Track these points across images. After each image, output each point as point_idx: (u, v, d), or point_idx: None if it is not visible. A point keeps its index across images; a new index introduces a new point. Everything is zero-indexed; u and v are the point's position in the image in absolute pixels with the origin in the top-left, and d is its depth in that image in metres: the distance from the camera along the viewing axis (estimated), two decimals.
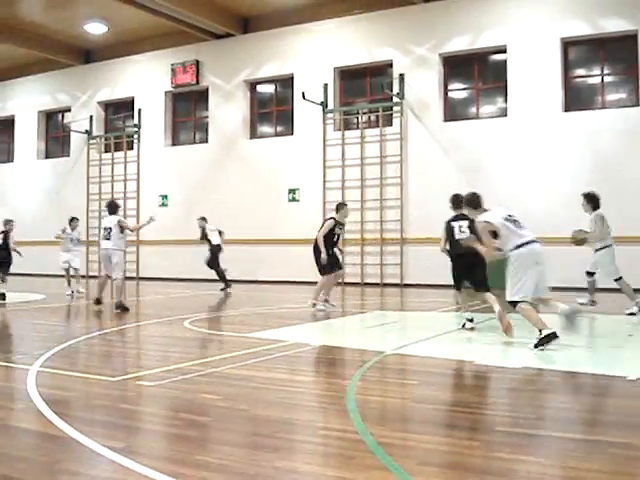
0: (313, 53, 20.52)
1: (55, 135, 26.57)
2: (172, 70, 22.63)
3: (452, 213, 9.46)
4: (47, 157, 26.41)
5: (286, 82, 21.29)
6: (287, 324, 10.50)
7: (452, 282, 9.55)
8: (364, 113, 20.08)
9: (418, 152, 18.92)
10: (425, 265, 17.82)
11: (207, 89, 22.38)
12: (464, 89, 19.44)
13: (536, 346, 7.29)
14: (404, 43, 19.19)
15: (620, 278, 11.40)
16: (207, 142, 22.47)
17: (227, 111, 22.01)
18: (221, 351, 7.72)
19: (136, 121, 23.61)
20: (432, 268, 17.56)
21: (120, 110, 24.72)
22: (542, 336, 7.29)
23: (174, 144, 23.39)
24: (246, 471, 3.60)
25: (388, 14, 19.35)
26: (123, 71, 24.02)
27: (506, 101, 18.24)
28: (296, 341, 8.46)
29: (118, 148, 24.17)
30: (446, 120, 18.94)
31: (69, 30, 22.40)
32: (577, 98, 17.67)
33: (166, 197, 22.84)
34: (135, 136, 23.72)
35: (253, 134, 22.01)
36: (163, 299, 15.86)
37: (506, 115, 18.19)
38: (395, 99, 19.27)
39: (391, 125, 19.55)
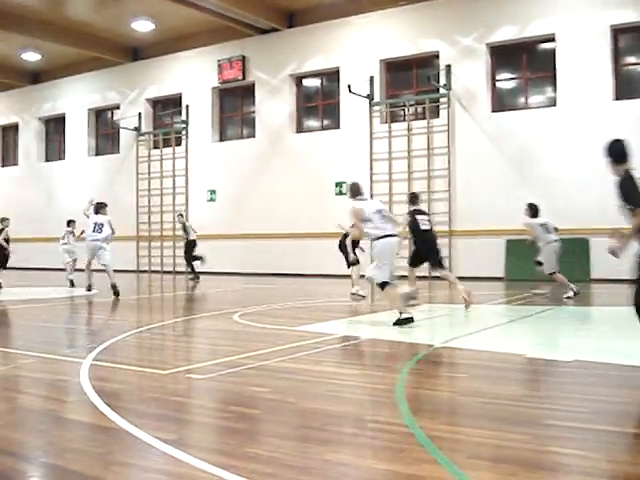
0: (358, 46, 20.45)
1: (105, 132, 26.98)
2: (219, 66, 22.79)
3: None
4: (97, 154, 26.83)
5: (332, 75, 21.26)
6: (335, 317, 10.50)
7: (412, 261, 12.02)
8: (410, 105, 19.97)
9: (466, 143, 18.74)
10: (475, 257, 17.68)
11: (253, 84, 22.48)
12: (512, 79, 19.20)
13: (394, 324, 8.82)
14: (450, 34, 19.01)
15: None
16: (254, 137, 22.59)
17: (273, 106, 22.08)
18: (270, 344, 7.75)
19: (184, 117, 23.84)
20: (481, 260, 17.42)
21: (168, 107, 24.98)
22: (401, 318, 8.86)
23: (221, 139, 23.56)
24: (296, 463, 3.62)
25: (433, 5, 19.19)
26: (170, 68, 24.26)
27: (555, 90, 17.95)
28: (344, 334, 8.46)
29: (166, 144, 24.44)
30: (494, 111, 18.72)
31: (117, 28, 22.70)
32: (627, 86, 17.30)
33: (214, 192, 23.03)
34: (183, 132, 23.96)
35: (299, 128, 22.05)
36: (212, 293, 16.00)
37: (555, 105, 17.91)
38: (442, 90, 19.11)
39: (438, 117, 19.40)
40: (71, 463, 3.67)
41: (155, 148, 24.83)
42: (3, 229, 16.88)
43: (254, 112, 22.70)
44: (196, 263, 19.64)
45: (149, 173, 24.55)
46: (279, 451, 3.83)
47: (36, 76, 28.13)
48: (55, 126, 28.40)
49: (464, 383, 5.72)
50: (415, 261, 12.18)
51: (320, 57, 21.16)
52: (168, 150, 24.28)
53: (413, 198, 12.30)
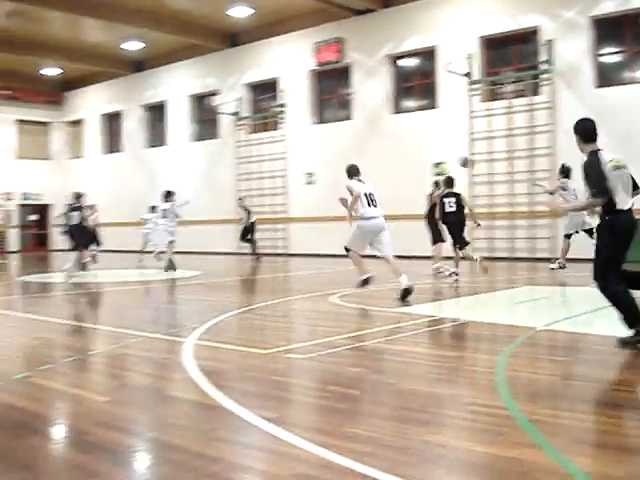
0: (456, 23, 20.07)
1: (205, 118, 27.50)
2: (315, 49, 22.84)
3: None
4: (198, 139, 27.40)
5: (429, 55, 20.96)
6: (433, 299, 10.42)
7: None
8: (511, 82, 19.48)
9: (569, 120, 18.01)
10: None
11: (350, 66, 22.42)
12: (616, 53, 18.43)
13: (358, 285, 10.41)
14: (551, 8, 18.41)
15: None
16: (351, 119, 22.57)
17: (370, 87, 21.99)
18: (368, 325, 7.78)
19: (282, 101, 24.04)
20: (588, 240, 16.88)
21: (266, 91, 25.23)
22: (361, 279, 10.32)
23: (319, 122, 23.66)
24: (395, 444, 3.62)
25: None
26: (268, 52, 24.49)
27: None
28: (443, 316, 8.39)
29: (265, 128, 24.72)
30: (598, 86, 18.05)
31: (214, 15, 23.03)
32: None
33: (312, 174, 23.17)
34: (281, 116, 24.17)
35: (396, 109, 21.87)
36: (311, 275, 16.15)
37: None
38: (543, 66, 18.56)
39: (540, 94, 18.86)
40: (175, 438, 3.79)
41: (254, 132, 25.15)
42: (93, 213, 18.50)
43: (351, 94, 22.66)
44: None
45: (248, 157, 24.91)
46: (378, 431, 3.84)
47: (138, 65, 28.92)
48: (157, 113, 29.15)
49: (566, 367, 5.58)
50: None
51: (417, 36, 20.89)
52: (266, 134, 24.55)
53: (449, 182, 13.38)
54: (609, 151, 6.12)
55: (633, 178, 6.02)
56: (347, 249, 10.53)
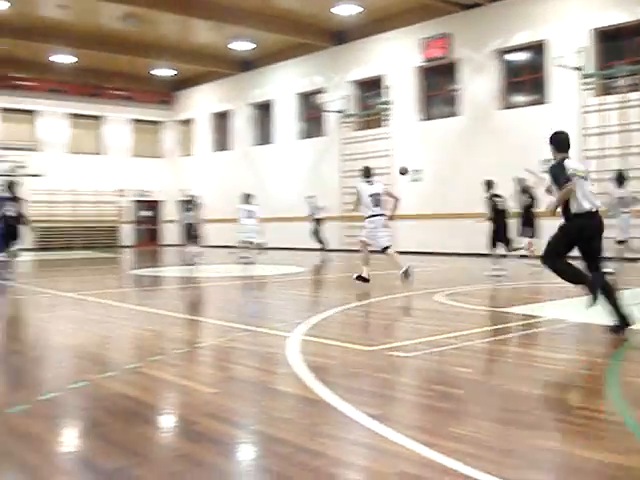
0: (567, 16, 19.48)
1: (311, 116, 27.74)
2: (422, 44, 22.66)
3: None
4: (305, 137, 27.67)
5: (538, 49, 20.42)
6: (541, 299, 10.16)
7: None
8: (625, 76, 18.75)
9: None
10: None
11: (457, 61, 22.13)
12: None
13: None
14: None
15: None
16: (458, 115, 22.27)
17: (477, 82, 21.63)
18: (474, 325, 7.66)
19: (388, 98, 23.97)
20: None
21: (372, 88, 25.23)
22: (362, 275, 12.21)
23: (425, 119, 23.46)
24: (499, 446, 3.55)
25: None
26: (374, 49, 24.47)
27: None
28: (551, 317, 8.17)
29: (371, 125, 24.73)
30: None
31: (321, 13, 23.18)
32: None
33: (418, 172, 23.00)
34: (387, 113, 24.11)
35: (505, 104, 21.43)
36: (418, 272, 16.01)
37: None
38: None
39: None
40: (279, 432, 3.84)
41: (359, 129, 25.20)
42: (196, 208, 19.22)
43: (458, 89, 22.36)
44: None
45: (354, 154, 24.97)
46: (482, 432, 3.78)
47: (246, 64, 29.45)
48: (265, 111, 29.61)
49: None
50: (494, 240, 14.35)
51: (526, 30, 20.39)
52: (372, 131, 24.56)
53: (490, 183, 14.78)
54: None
55: None
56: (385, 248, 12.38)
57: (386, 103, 24.01)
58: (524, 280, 13.25)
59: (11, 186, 14.55)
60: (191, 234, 18.09)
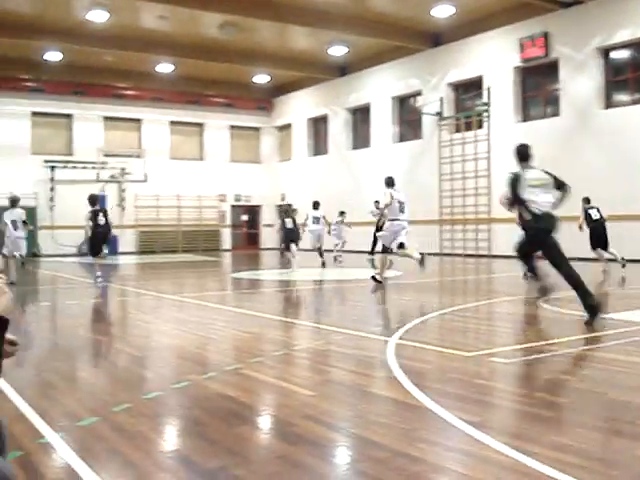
0: None
1: (408, 119, 27.61)
2: (520, 45, 22.20)
3: None
4: (401, 140, 27.56)
5: None
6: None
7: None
8: None
9: None
10: None
11: (557, 60, 21.57)
12: None
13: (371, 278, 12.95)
14: None
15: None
16: (558, 115, 21.70)
17: (579, 81, 21.02)
18: (577, 332, 7.44)
19: (485, 99, 23.61)
20: None
21: (469, 90, 24.91)
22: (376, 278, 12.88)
23: (524, 120, 22.97)
24: (604, 457, 3.44)
25: None
26: (471, 50, 24.14)
27: None
28: None
29: (468, 127, 24.41)
30: None
31: (417, 16, 23.03)
32: None
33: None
34: (484, 114, 23.75)
35: (608, 103, 20.75)
36: (516, 277, 15.70)
37: None
38: None
39: None
40: (377, 436, 3.83)
41: (457, 132, 24.91)
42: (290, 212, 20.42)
43: (558, 89, 21.79)
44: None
45: (451, 157, 24.71)
46: (586, 442, 3.67)
47: (343, 69, 29.58)
48: (361, 115, 29.67)
49: None
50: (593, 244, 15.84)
51: (630, 26, 19.68)
52: (470, 133, 24.23)
53: (586, 200, 16.31)
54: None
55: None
56: (383, 250, 13.39)
57: (484, 105, 23.65)
58: (633, 285, 12.79)
59: (95, 199, 15.36)
60: (289, 238, 18.37)
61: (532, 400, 4.67)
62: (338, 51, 26.45)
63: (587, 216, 15.85)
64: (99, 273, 14.35)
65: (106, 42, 24.29)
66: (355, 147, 29.88)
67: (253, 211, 34.81)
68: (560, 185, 8.84)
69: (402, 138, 27.58)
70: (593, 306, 7.60)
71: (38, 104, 29.08)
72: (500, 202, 9.11)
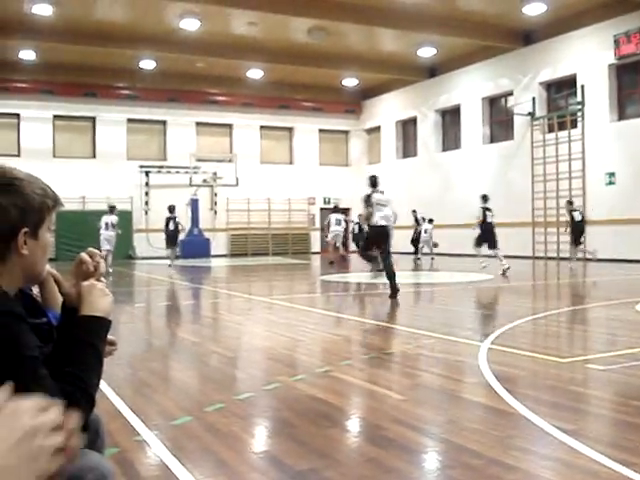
0: None
1: (499, 119, 27.15)
2: (615, 41, 21.51)
3: None
4: (492, 141, 27.12)
5: None
6: None
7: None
8: None
9: None
10: None
11: None
12: None
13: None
14: None
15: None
16: None
17: None
18: None
19: (579, 98, 22.98)
20: None
21: (562, 88, 24.31)
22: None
23: (620, 119, 22.25)
24: None
25: None
26: (564, 49, 23.53)
27: None
28: None
29: (561, 127, 23.79)
30: None
31: (507, 14, 22.62)
32: None
33: (613, 175, 21.85)
34: (579, 114, 23.12)
35: None
36: (613, 280, 15.24)
37: None
38: None
39: None
40: (469, 442, 3.78)
41: (550, 132, 24.32)
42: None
43: None
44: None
45: (544, 158, 24.15)
46: None
47: (432, 70, 29.33)
48: (451, 116, 29.35)
49: None
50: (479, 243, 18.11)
51: None
52: (563, 133, 23.62)
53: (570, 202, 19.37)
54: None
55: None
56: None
57: (578, 104, 23.03)
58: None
59: (171, 209, 22.19)
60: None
61: (629, 408, 4.51)
62: (427, 52, 26.25)
63: (571, 217, 18.78)
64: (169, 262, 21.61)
65: (198, 49, 24.83)
66: (445, 149, 29.58)
67: (343, 214, 34.87)
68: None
69: (493, 139, 27.14)
70: (395, 291, 11.44)
71: (133, 111, 30.00)
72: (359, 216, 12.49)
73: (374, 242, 12.36)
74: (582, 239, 19.32)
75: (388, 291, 11.44)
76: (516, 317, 8.74)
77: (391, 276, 11.62)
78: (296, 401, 4.79)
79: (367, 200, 12.18)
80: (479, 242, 18.08)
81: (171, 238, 22.14)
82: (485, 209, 18.16)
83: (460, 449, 3.69)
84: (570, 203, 19.56)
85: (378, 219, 11.88)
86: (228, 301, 12.50)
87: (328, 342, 7.57)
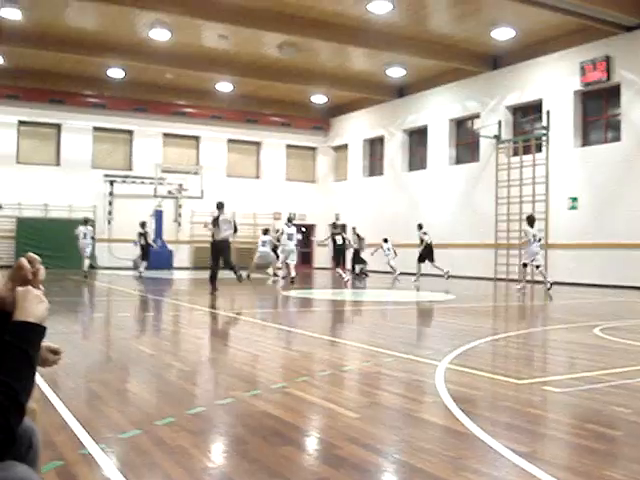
0: None
1: (465, 141, 27.40)
2: (581, 68, 21.86)
3: None
4: (458, 163, 27.34)
5: None
6: None
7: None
8: None
9: None
10: None
11: (619, 85, 21.17)
12: None
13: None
14: None
15: None
16: (619, 140, 21.26)
17: None
18: (633, 362, 7.20)
19: (544, 123, 23.29)
20: None
21: (528, 113, 24.63)
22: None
23: (584, 144, 22.57)
24: None
25: None
26: (531, 74, 23.87)
27: None
28: None
29: (526, 151, 24.09)
30: None
31: (477, 38, 22.91)
32: None
33: (576, 199, 22.13)
34: (543, 138, 23.42)
35: None
36: (572, 304, 15.38)
37: None
38: None
39: None
40: (422, 463, 3.72)
41: (515, 155, 24.61)
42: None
43: (619, 114, 21.38)
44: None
45: (508, 180, 24.40)
46: (638, 478, 3.50)
47: (400, 90, 29.55)
48: (418, 137, 29.56)
49: None
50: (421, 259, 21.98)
51: None
52: (528, 157, 23.92)
53: (420, 225, 22.82)
54: None
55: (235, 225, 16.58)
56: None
57: (543, 128, 23.33)
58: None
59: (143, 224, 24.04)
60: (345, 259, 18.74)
61: (584, 432, 4.49)
62: (396, 72, 26.45)
63: (421, 240, 22.25)
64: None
65: (167, 60, 24.75)
66: (411, 169, 29.76)
67: (307, 230, 34.90)
68: (234, 227, 16.73)
69: (459, 160, 27.38)
70: (215, 290, 15.58)
71: (100, 119, 29.77)
72: (205, 226, 17.11)
73: (218, 253, 16.39)
74: (434, 258, 22.14)
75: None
76: (475, 337, 8.74)
77: (213, 277, 16.10)
78: (250, 417, 4.71)
79: (214, 221, 16.26)
80: (422, 259, 22.04)
81: (143, 252, 24.22)
82: (423, 234, 22.24)
83: (413, 470, 3.63)
84: (420, 227, 22.70)
85: (222, 236, 16.17)
86: (188, 314, 12.36)
87: (286, 358, 7.49)
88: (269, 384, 5.78)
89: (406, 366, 6.82)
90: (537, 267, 18.82)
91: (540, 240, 18.77)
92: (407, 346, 8.26)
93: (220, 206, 16.49)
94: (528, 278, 19.89)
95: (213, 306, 13.48)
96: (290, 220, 22.33)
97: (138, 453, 3.83)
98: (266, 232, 24.77)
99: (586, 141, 22.65)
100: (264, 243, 24.35)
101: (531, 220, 18.74)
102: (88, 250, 22.52)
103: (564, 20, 20.40)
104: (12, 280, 1.87)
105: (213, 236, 16.31)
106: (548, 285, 18.23)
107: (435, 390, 5.54)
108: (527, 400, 5.35)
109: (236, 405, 5.02)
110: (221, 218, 16.18)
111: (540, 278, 19.13)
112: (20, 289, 1.83)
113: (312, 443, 4.29)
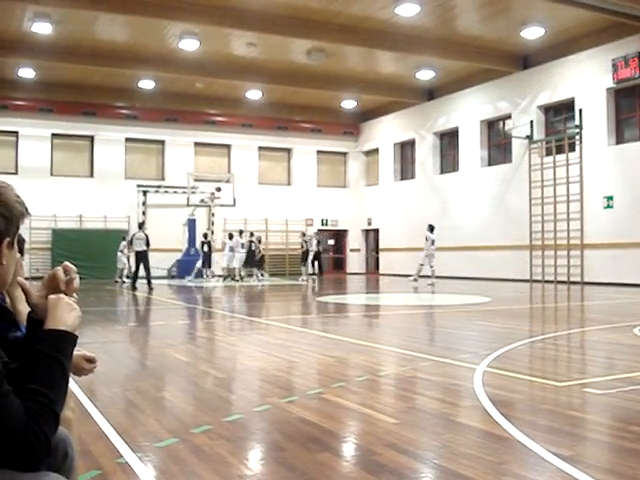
0: None
1: (497, 142, 27.18)
2: (613, 65, 21.55)
3: None
4: (490, 164, 27.11)
5: None
6: None
7: None
8: None
9: None
10: None
11: None
12: None
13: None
14: None
15: None
16: None
17: None
18: None
19: (577, 122, 23.00)
20: None
21: (560, 112, 24.35)
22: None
23: (618, 142, 22.25)
24: None
25: None
26: (562, 72, 23.59)
27: None
28: None
29: (559, 151, 23.80)
30: None
31: (507, 38, 22.71)
32: None
33: (611, 198, 21.81)
34: (576, 137, 23.12)
35: None
36: (610, 304, 15.14)
37: None
38: None
39: None
40: (463, 468, 3.66)
41: (547, 155, 24.33)
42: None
43: None
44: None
45: (542, 181, 24.13)
46: None
47: (430, 93, 29.41)
48: (449, 139, 29.38)
49: None
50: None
51: None
52: (561, 156, 23.63)
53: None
54: None
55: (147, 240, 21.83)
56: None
57: (576, 127, 23.04)
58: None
59: (205, 235, 27.68)
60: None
61: (628, 434, 4.39)
62: (426, 75, 26.33)
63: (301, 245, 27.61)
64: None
65: (197, 70, 24.91)
66: (443, 172, 29.58)
67: (340, 236, 34.86)
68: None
69: (491, 162, 27.15)
70: (134, 287, 19.34)
71: (132, 130, 30.02)
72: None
73: (140, 261, 21.78)
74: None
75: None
76: (513, 340, 8.63)
77: (134, 278, 21.87)
78: (286, 424, 4.67)
79: (131, 238, 22.55)
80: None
81: (207, 259, 27.27)
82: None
83: (453, 475, 3.57)
84: (303, 234, 27.23)
85: (137, 247, 21.79)
86: (223, 321, 12.39)
87: (322, 364, 7.45)
88: (305, 390, 5.75)
89: (443, 370, 6.74)
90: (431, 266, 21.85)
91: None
92: (444, 350, 8.18)
93: (140, 225, 23.03)
94: (560, 279, 19.62)
95: (250, 314, 13.50)
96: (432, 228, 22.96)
97: (175, 461, 3.82)
98: (231, 237, 27.03)
99: (620, 139, 22.31)
100: (242, 245, 26.52)
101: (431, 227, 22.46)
102: (121, 262, 25.77)
103: (594, 17, 20.14)
104: (46, 288, 1.87)
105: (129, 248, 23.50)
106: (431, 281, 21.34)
107: (474, 394, 5.47)
108: (567, 402, 5.26)
109: (273, 412, 4.99)
110: (136, 235, 22.19)
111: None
112: (52, 297, 1.82)
113: (350, 449, 4.24)
